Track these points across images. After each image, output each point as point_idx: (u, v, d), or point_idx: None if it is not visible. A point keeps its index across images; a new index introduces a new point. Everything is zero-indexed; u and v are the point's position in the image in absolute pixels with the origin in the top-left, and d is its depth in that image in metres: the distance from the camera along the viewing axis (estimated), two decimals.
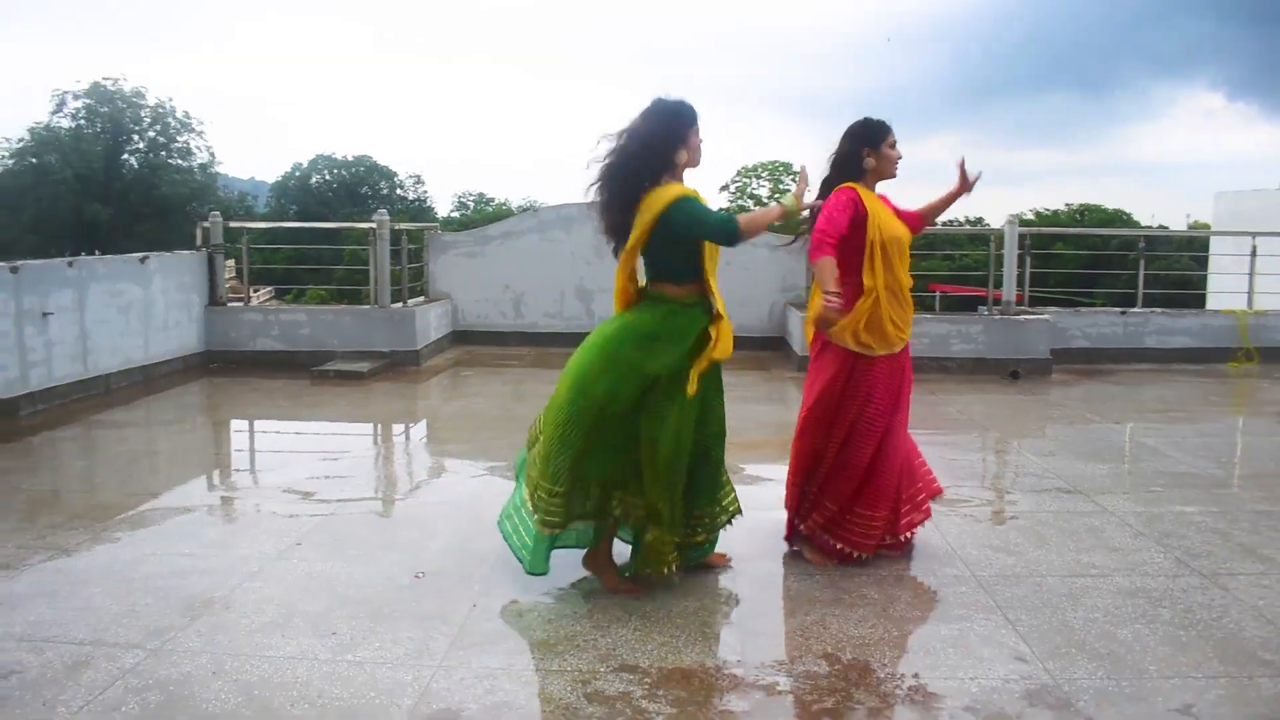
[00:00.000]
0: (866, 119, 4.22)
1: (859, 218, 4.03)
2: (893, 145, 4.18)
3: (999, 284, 9.91)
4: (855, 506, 4.10)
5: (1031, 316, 9.74)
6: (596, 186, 3.82)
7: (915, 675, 3.17)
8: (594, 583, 3.92)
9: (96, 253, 9.44)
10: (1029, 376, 9.24)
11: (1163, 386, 9.01)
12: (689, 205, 3.67)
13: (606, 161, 3.76)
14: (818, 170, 4.25)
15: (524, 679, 3.15)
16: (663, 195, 3.66)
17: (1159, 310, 10.71)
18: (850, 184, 4.13)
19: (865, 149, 4.15)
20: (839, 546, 4.12)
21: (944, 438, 6.74)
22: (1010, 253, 9.78)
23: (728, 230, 3.67)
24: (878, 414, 4.08)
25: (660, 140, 3.70)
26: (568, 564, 3.97)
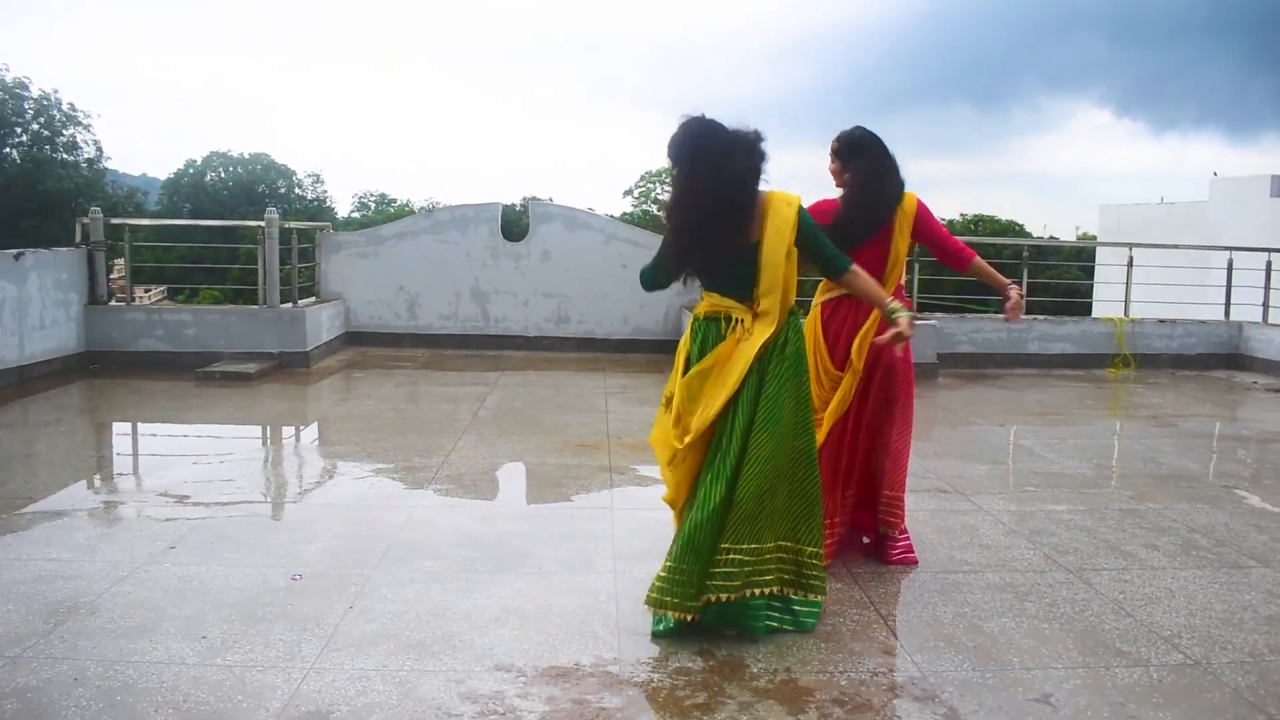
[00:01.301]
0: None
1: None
2: None
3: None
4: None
5: (919, 322, 9.98)
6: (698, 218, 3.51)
7: (787, 670, 3.23)
8: (474, 581, 3.91)
9: None
10: (916, 380, 9.43)
11: (1043, 390, 9.33)
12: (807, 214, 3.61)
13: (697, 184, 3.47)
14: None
15: (397, 679, 3.12)
16: (783, 197, 3.54)
17: (1041, 317, 11.11)
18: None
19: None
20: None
21: None
22: None
23: (842, 263, 3.67)
24: None
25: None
26: (455, 566, 3.94)
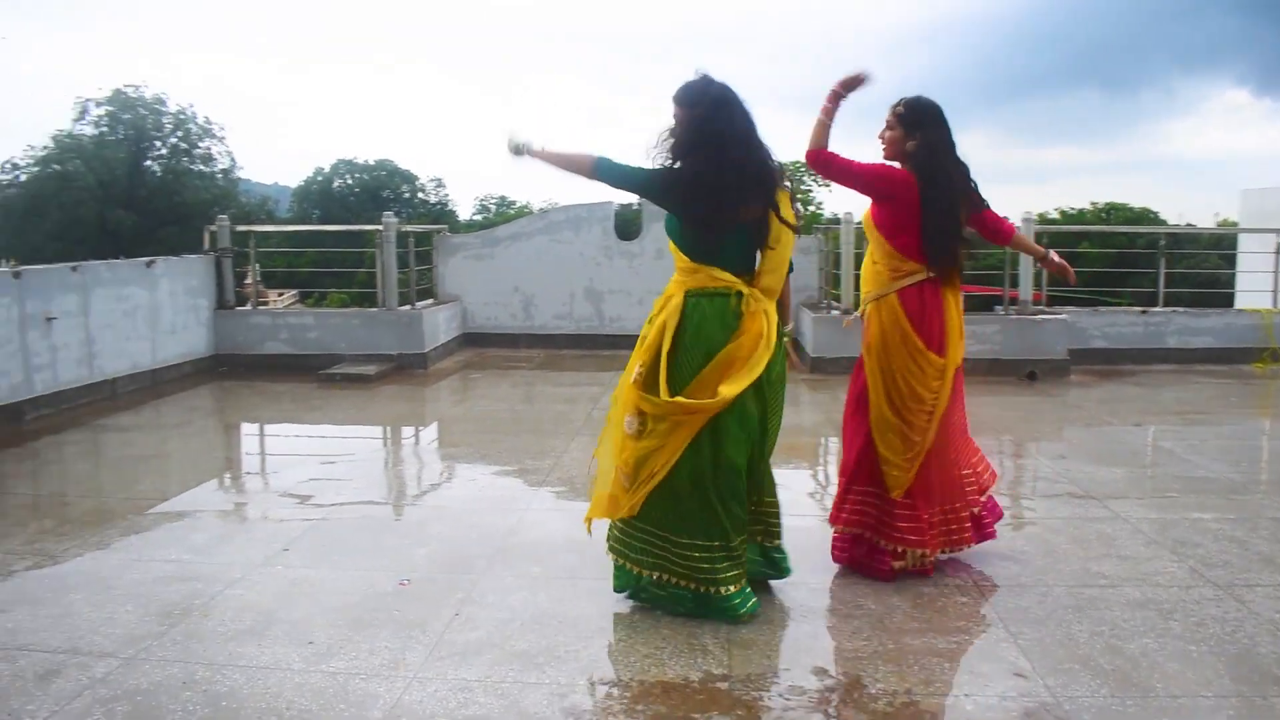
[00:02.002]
0: None
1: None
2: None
3: (1015, 284, 9.73)
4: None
5: (1048, 316, 9.55)
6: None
7: (908, 691, 3.03)
8: (581, 589, 3.82)
9: (120, 258, 9.41)
10: (1046, 377, 9.06)
11: (1183, 388, 8.79)
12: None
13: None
14: None
15: (499, 691, 3.04)
16: None
17: (1181, 310, 10.48)
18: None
19: None
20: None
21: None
22: None
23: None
24: None
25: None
26: (561, 572, 3.87)
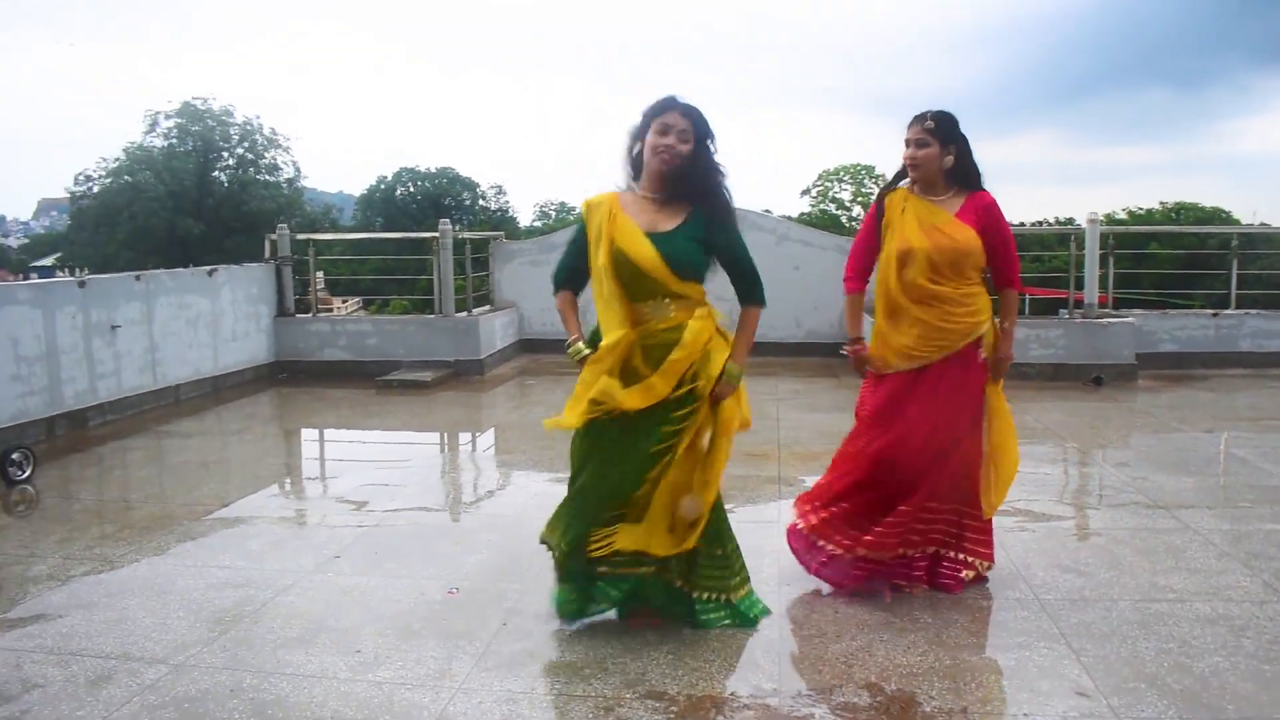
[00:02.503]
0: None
1: (876, 229, 3.91)
2: (906, 144, 3.79)
3: (1081, 286, 9.50)
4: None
5: (1114, 319, 9.29)
6: None
7: (964, 710, 2.93)
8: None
9: (189, 266, 9.61)
10: (1112, 382, 8.81)
11: (1257, 393, 8.49)
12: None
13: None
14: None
15: (544, 704, 3.00)
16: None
17: (1254, 312, 10.15)
18: (897, 188, 3.91)
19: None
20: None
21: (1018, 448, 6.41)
22: (1091, 253, 9.36)
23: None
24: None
25: (631, 137, 3.47)
26: None
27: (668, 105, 3.38)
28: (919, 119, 3.75)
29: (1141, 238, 18.00)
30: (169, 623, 3.65)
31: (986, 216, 3.75)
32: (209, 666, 3.28)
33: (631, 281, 3.34)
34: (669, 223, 3.39)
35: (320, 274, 11.42)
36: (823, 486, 3.98)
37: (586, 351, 3.42)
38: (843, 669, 3.21)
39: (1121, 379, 8.92)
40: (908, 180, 3.86)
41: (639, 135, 3.41)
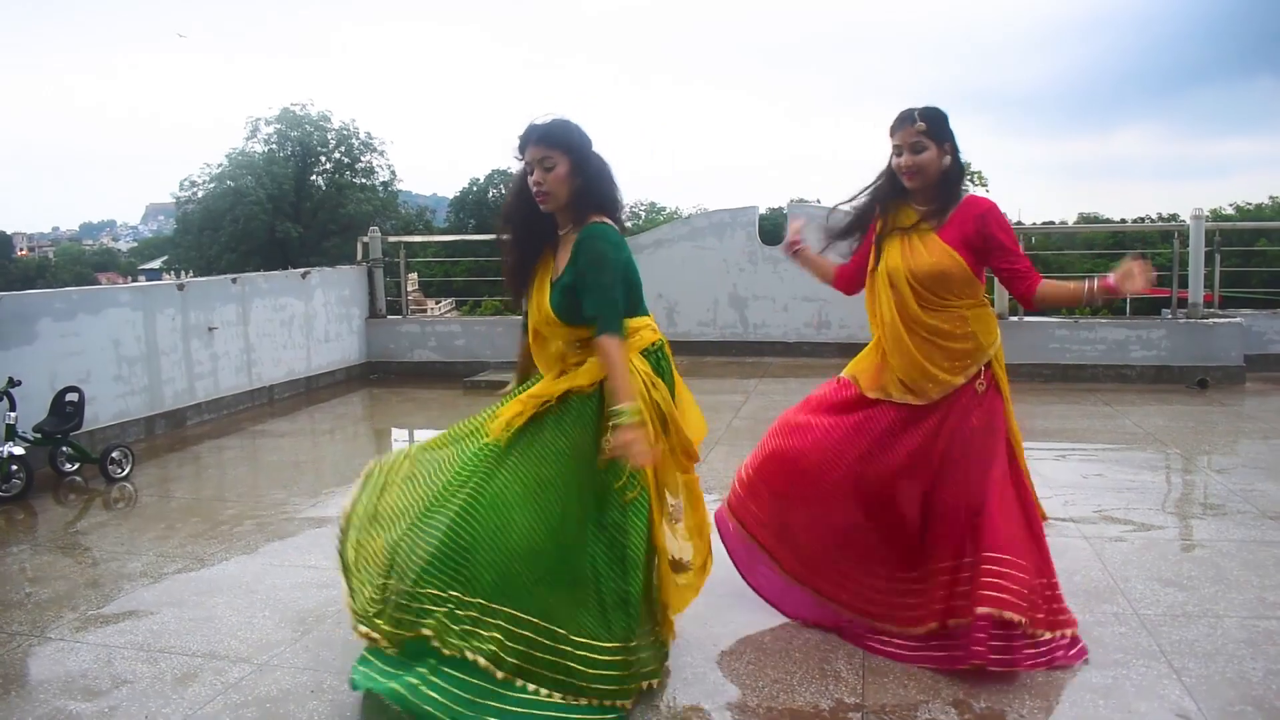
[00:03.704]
0: None
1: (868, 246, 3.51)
2: (895, 151, 3.34)
3: (1184, 284, 9.13)
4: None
5: (1221, 319, 8.90)
6: None
7: None
8: (712, 607, 3.67)
9: (287, 268, 9.88)
10: (1218, 385, 8.45)
11: None
12: None
13: None
14: None
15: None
16: None
17: None
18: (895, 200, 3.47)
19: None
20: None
21: (1117, 454, 6.19)
22: (1196, 250, 9.00)
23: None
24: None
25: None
26: None
27: (524, 141, 3.03)
28: (907, 120, 3.29)
29: (1250, 234, 17.30)
30: (254, 622, 3.72)
31: (987, 227, 3.28)
32: (291, 667, 3.32)
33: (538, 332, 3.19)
34: (561, 265, 3.10)
35: (414, 275, 11.59)
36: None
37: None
38: (929, 684, 3.11)
39: (1228, 382, 8.55)
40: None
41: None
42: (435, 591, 2.77)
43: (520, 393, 3.11)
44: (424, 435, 7.55)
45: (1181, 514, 5.04)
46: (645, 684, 3.02)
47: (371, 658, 2.92)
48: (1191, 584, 3.90)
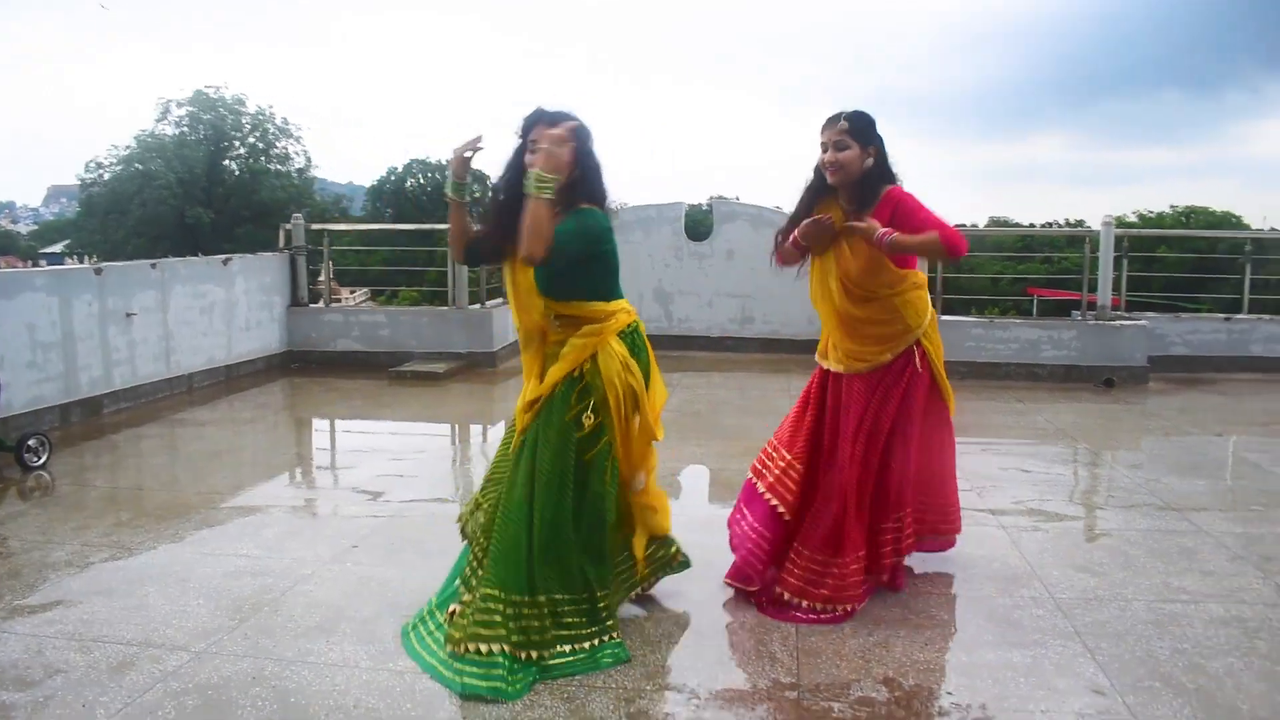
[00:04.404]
0: None
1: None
2: (822, 148, 3.58)
3: (1094, 288, 9.50)
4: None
5: (1127, 322, 9.29)
6: None
7: (982, 706, 2.95)
8: (651, 595, 3.77)
9: (199, 254, 9.68)
10: (1124, 385, 8.82)
11: (1269, 398, 8.49)
12: None
13: None
14: None
15: (565, 694, 3.02)
16: None
17: (1267, 317, 10.13)
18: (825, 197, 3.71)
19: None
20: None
21: (1030, 448, 6.44)
22: (1106, 255, 9.36)
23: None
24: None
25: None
26: None
27: (531, 123, 3.25)
28: (834, 120, 3.54)
29: (1152, 241, 17.99)
30: (189, 610, 3.68)
31: (896, 210, 3.51)
32: (230, 654, 3.31)
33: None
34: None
35: (329, 264, 11.43)
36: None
37: None
38: (860, 664, 3.24)
39: (1133, 381, 8.93)
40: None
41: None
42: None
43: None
44: (348, 425, 7.53)
45: (1092, 505, 5.28)
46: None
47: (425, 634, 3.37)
48: (1102, 570, 4.11)
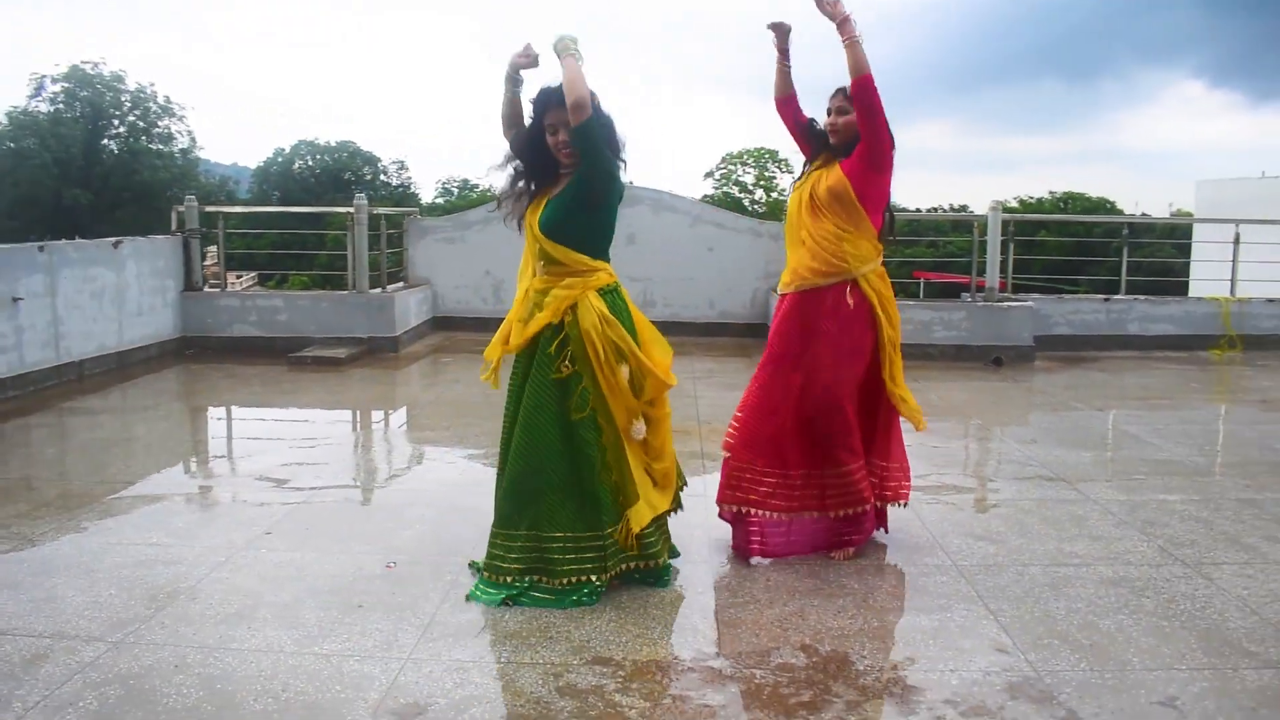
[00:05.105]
0: None
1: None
2: (828, 112, 4.08)
3: (982, 271, 9.87)
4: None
5: (1015, 303, 9.69)
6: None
7: (894, 667, 3.11)
8: None
9: (77, 238, 9.30)
10: (1012, 363, 9.21)
11: (1145, 374, 8.98)
12: None
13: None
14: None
15: (494, 672, 3.08)
16: None
17: (1142, 298, 10.69)
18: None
19: None
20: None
21: (927, 424, 6.68)
22: (994, 240, 9.73)
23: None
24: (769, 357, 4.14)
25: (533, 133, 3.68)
26: None
27: (547, 102, 3.55)
28: (839, 92, 4.00)
29: (1034, 225, 18.71)
30: (102, 600, 3.61)
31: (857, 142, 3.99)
32: (150, 643, 3.26)
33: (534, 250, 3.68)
34: (555, 190, 3.65)
35: (213, 248, 11.16)
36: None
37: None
38: (778, 632, 3.36)
39: (1020, 360, 9.32)
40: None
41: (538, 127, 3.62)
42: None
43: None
44: (249, 412, 7.39)
45: (987, 478, 5.53)
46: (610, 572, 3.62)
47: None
48: (1000, 538, 4.33)
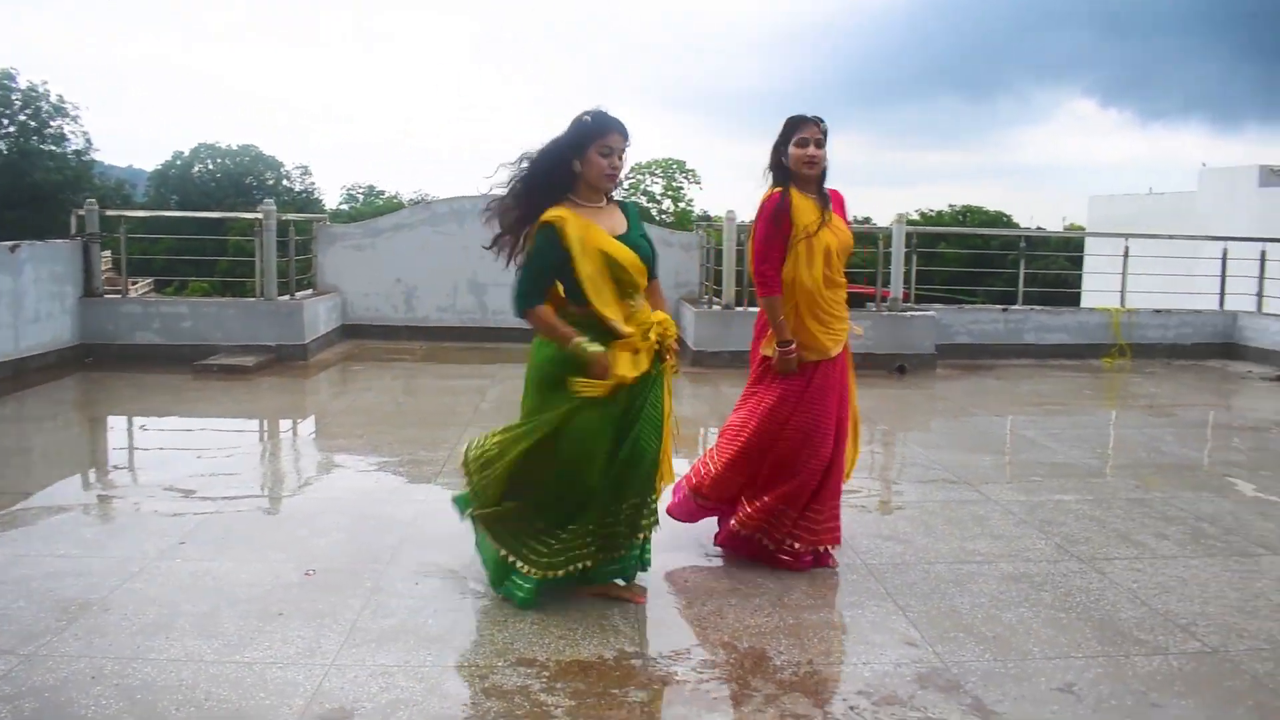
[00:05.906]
0: (789, 117, 4.09)
1: (782, 218, 4.03)
2: (801, 143, 3.99)
3: (886, 282, 10.16)
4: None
5: (917, 313, 10.01)
6: (509, 196, 3.70)
7: (810, 662, 3.23)
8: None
9: None
10: (915, 371, 9.49)
11: (1040, 381, 9.35)
12: (535, 239, 3.64)
13: (517, 173, 3.66)
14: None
15: (420, 675, 3.10)
16: (544, 216, 3.57)
17: (1038, 308, 11.13)
18: (779, 187, 4.08)
19: (780, 148, 4.07)
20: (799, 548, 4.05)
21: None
22: (897, 251, 10.03)
23: (515, 305, 3.80)
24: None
25: (558, 152, 3.57)
26: (468, 560, 3.95)
27: (610, 126, 3.55)
28: (814, 121, 4.01)
29: (934, 237, 19.28)
30: (10, 613, 3.53)
31: (844, 209, 4.21)
32: (63, 655, 3.20)
33: (621, 280, 3.61)
34: (620, 226, 3.69)
35: (107, 253, 10.87)
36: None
37: (599, 348, 3.55)
38: (697, 631, 3.46)
39: (923, 367, 9.62)
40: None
41: (576, 147, 3.53)
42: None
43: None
44: (153, 422, 7.23)
45: (892, 481, 5.72)
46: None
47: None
48: (907, 538, 4.51)
